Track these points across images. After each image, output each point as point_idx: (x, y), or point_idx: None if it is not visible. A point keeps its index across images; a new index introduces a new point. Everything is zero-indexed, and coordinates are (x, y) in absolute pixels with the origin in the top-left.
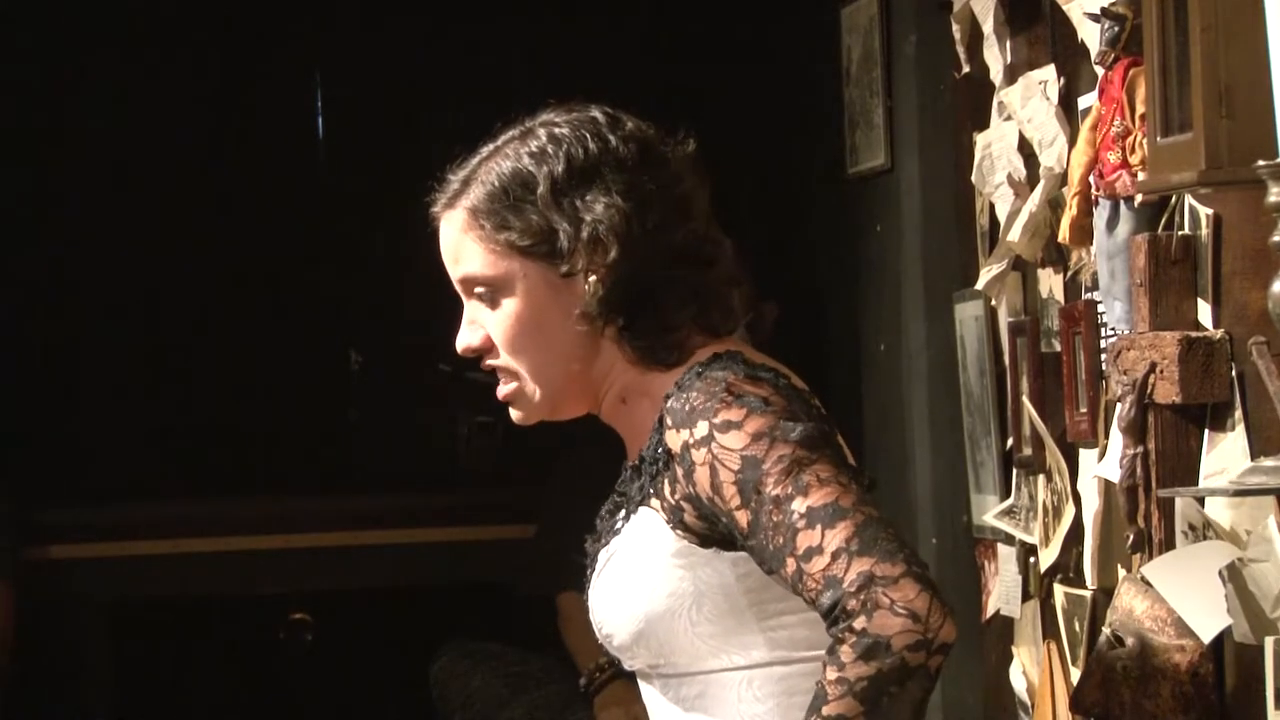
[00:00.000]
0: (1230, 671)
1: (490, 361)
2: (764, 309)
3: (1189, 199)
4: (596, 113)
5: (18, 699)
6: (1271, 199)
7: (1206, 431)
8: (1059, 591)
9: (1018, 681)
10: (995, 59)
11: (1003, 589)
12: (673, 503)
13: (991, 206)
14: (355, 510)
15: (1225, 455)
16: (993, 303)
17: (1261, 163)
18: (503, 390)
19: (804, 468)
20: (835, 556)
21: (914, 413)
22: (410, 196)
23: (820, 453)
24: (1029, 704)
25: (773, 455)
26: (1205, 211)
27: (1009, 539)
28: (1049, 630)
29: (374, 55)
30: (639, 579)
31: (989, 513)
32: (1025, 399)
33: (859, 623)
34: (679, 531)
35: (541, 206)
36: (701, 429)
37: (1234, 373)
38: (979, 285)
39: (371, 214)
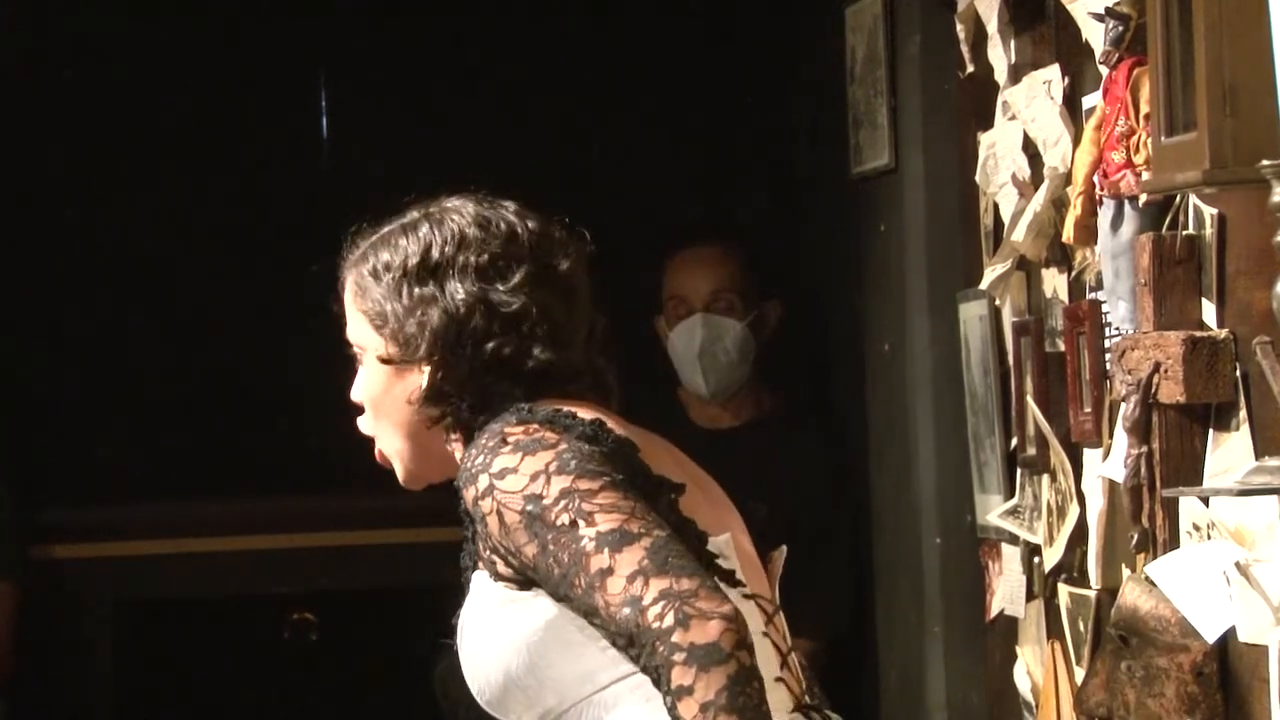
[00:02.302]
0: (1235, 671)
1: (362, 420)
2: (767, 309)
3: (1193, 199)
4: (477, 212)
5: (21, 699)
6: (1276, 199)
7: (1211, 431)
8: (1063, 591)
9: (1022, 681)
10: (999, 59)
11: (1007, 589)
12: (486, 557)
13: (996, 206)
14: (360, 510)
15: (1230, 455)
16: (997, 302)
17: (1266, 162)
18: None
19: (586, 497)
20: (631, 579)
21: (918, 413)
22: (415, 196)
23: (602, 479)
24: (1033, 704)
25: (552, 489)
26: (1209, 211)
27: (1013, 539)
28: (1053, 630)
29: (379, 54)
30: (486, 639)
31: (993, 512)
32: (1029, 399)
33: (679, 636)
34: (501, 583)
35: (387, 290)
36: (483, 481)
37: (1238, 372)
38: (983, 285)
39: (376, 214)
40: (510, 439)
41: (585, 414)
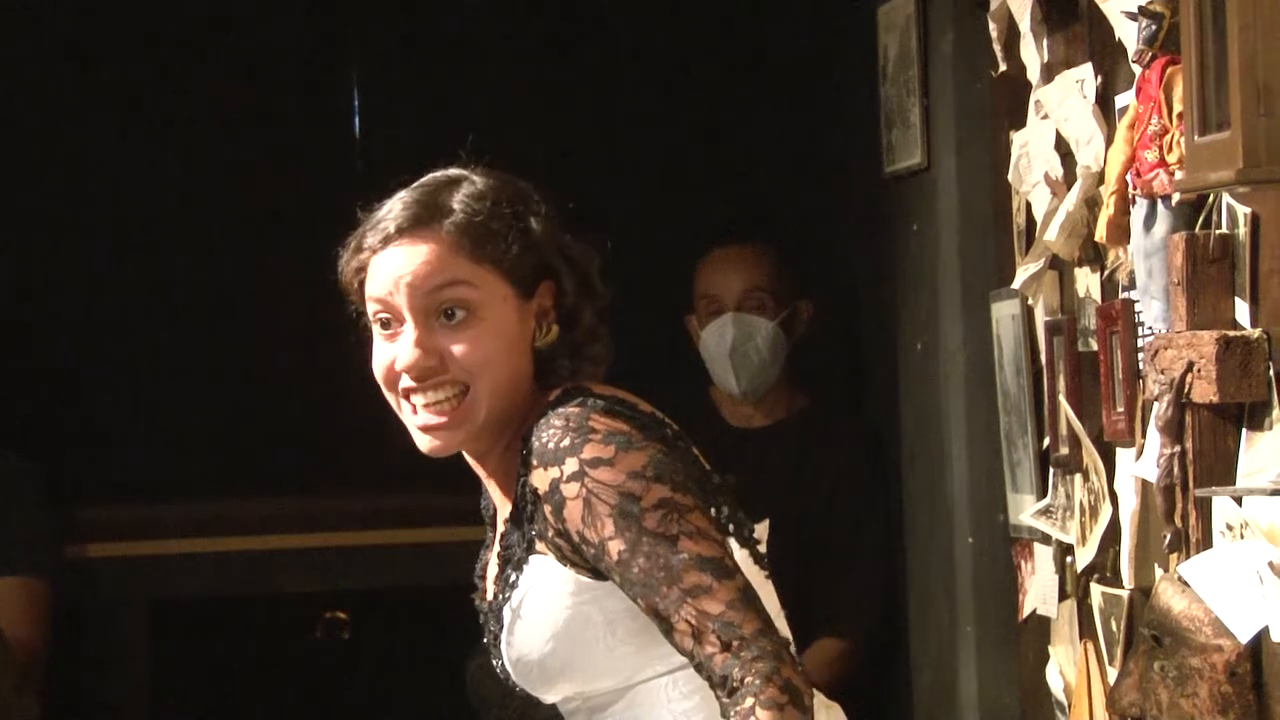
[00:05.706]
0: (1268, 671)
1: (440, 379)
2: (799, 308)
3: (1226, 197)
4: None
5: (54, 698)
6: None
7: (1244, 430)
8: (1096, 591)
9: (1054, 681)
10: (1032, 57)
11: (1039, 588)
12: (550, 539)
13: (1028, 205)
14: (392, 509)
15: (1263, 454)
16: (1030, 302)
17: None
18: (435, 418)
19: (684, 514)
20: (732, 605)
21: (951, 412)
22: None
23: (693, 498)
24: (1066, 704)
25: (650, 496)
26: (1243, 210)
27: (1046, 538)
28: (1086, 630)
29: (411, 54)
30: (550, 623)
31: (1026, 512)
32: (1062, 398)
33: (785, 671)
34: (572, 569)
35: (540, 243)
36: (571, 465)
37: (1271, 372)
38: (1016, 284)
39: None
40: (598, 428)
41: (643, 405)
